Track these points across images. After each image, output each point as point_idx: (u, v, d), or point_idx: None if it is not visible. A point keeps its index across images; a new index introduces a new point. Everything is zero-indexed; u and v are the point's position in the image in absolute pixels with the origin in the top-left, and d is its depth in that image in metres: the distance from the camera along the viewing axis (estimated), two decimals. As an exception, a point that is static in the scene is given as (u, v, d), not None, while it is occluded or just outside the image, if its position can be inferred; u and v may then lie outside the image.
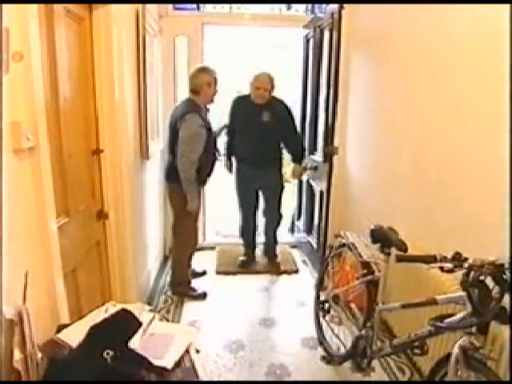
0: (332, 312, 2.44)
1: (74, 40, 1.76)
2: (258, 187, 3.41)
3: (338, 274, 2.52)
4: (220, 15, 3.55)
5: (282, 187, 3.44)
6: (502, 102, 1.61)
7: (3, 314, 1.00)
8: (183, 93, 3.52)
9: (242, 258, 3.57)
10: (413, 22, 2.41)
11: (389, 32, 2.77)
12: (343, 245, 2.30)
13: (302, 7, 3.62)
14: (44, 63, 1.41)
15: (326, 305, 2.38)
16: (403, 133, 2.58)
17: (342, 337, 2.33)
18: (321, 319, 2.45)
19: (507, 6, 1.56)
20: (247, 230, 3.54)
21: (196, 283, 3.16)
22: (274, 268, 3.51)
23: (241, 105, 3.29)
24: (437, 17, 2.14)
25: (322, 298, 2.41)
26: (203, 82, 2.79)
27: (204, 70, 2.84)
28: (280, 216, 3.52)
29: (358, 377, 2.16)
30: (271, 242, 3.60)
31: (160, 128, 3.29)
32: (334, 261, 2.52)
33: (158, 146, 3.29)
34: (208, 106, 2.91)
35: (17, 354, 0.94)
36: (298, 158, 3.42)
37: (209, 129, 2.81)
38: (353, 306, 2.28)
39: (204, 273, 3.40)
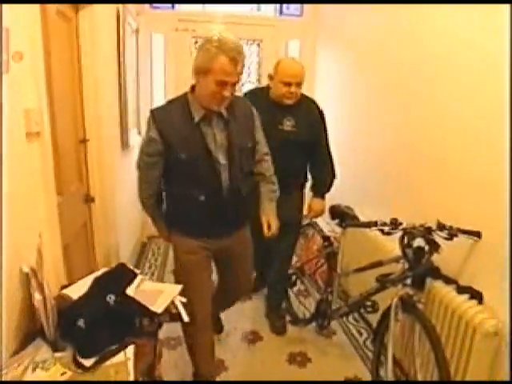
0: (299, 285, 2.73)
1: (63, 38, 1.95)
2: None
3: (305, 250, 2.81)
4: (194, 14, 3.75)
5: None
6: (497, 84, 1.60)
7: (21, 268, 1.23)
8: (159, 86, 3.73)
9: None
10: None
11: (365, 24, 2.87)
12: (308, 224, 2.59)
13: (271, 7, 3.87)
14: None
15: (294, 277, 2.66)
16: (384, 110, 2.65)
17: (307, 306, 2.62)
18: (289, 291, 2.73)
19: (506, 5, 1.53)
20: None
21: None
22: None
23: (257, 103, 1.93)
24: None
25: (290, 271, 2.69)
26: None
27: None
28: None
29: (322, 339, 2.46)
30: None
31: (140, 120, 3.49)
32: (301, 238, 2.79)
33: (136, 136, 3.49)
34: None
35: (37, 295, 1.16)
36: (321, 188, 2.40)
37: None
38: (316, 276, 2.57)
39: None
